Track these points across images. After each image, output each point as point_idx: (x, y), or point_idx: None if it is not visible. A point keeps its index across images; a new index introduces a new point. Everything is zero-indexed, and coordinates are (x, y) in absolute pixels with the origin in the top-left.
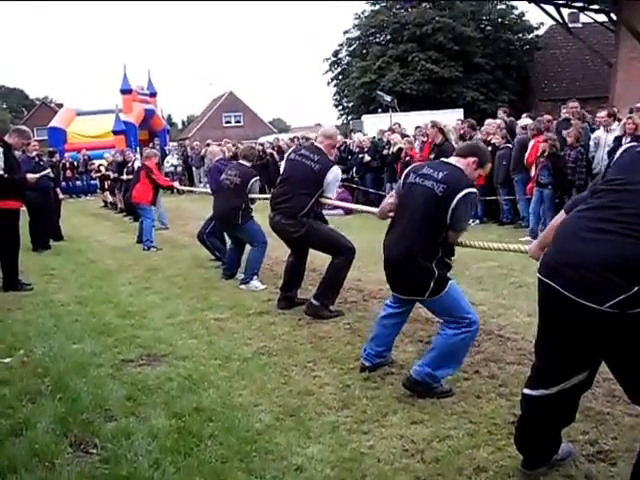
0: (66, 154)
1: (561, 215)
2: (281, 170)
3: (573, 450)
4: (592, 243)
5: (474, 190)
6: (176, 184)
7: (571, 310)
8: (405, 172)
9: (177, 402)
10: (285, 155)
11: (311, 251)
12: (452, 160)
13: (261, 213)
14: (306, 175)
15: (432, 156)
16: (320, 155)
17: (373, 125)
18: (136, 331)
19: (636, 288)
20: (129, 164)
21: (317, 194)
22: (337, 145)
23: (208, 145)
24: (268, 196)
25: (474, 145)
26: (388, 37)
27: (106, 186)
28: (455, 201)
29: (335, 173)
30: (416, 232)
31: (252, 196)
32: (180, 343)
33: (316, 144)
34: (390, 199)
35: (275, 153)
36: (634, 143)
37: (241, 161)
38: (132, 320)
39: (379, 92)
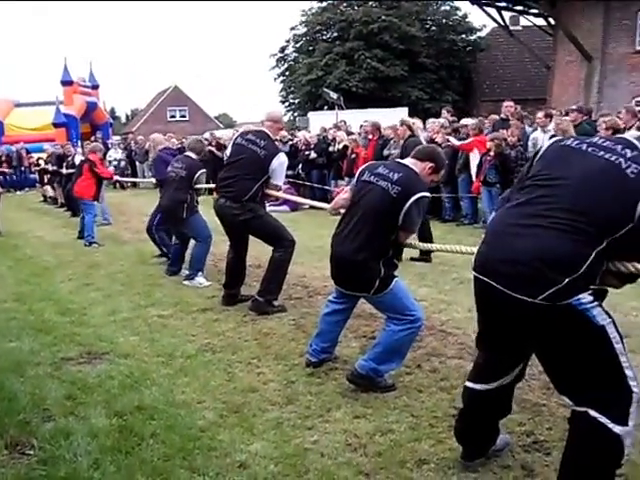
0: (2, 147)
1: None
2: (227, 153)
3: (510, 441)
4: (523, 238)
5: (427, 194)
6: (116, 177)
7: (506, 304)
8: (360, 169)
9: (118, 400)
10: (231, 139)
11: (256, 247)
12: (408, 162)
13: (206, 207)
14: (252, 160)
15: (397, 151)
16: (266, 140)
17: (319, 122)
18: (76, 328)
19: (566, 280)
20: (69, 158)
21: (262, 179)
22: (282, 127)
23: None
24: (213, 185)
25: (433, 150)
26: (335, 34)
27: (45, 180)
28: (408, 204)
29: (281, 160)
30: (367, 231)
31: (198, 186)
32: (122, 340)
33: (263, 129)
34: (344, 195)
35: (215, 149)
36: (558, 137)
37: (188, 153)
38: (72, 317)
39: (325, 89)
